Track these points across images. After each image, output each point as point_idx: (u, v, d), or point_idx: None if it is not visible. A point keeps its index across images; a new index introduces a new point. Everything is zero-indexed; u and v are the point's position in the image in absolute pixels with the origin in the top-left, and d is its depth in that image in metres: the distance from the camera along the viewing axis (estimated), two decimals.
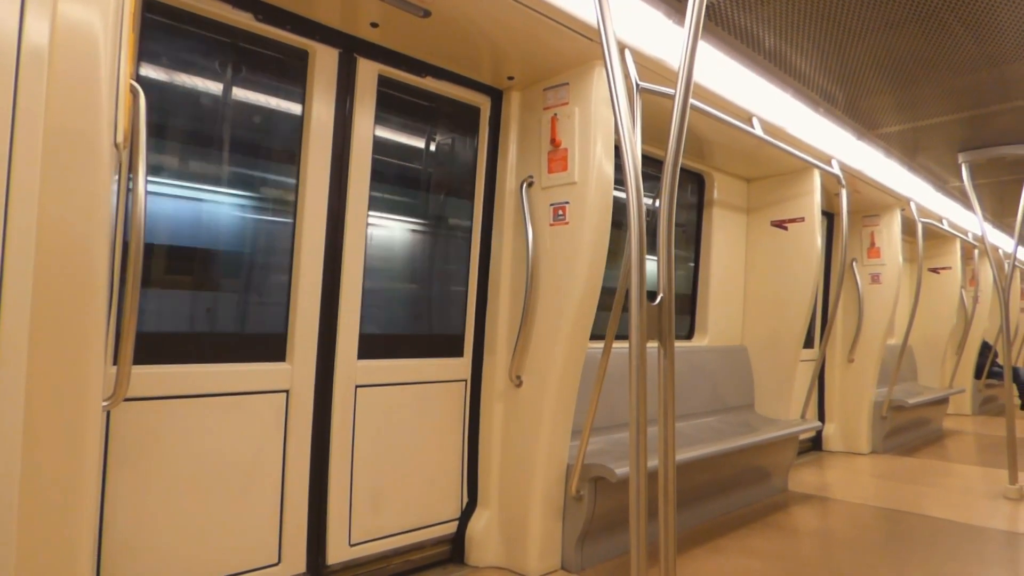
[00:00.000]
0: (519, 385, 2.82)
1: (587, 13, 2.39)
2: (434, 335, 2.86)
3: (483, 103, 2.95)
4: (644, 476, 1.67)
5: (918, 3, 2.69)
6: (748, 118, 3.43)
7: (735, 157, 4.15)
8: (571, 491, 2.74)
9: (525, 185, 2.84)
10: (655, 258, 1.92)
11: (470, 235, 2.96)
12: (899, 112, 4.00)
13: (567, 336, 2.67)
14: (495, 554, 2.80)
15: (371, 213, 2.59)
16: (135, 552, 1.98)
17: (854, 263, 5.67)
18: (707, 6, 2.73)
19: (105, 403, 1.56)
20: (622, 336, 3.05)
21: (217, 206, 2.26)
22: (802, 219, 4.33)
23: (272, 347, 2.35)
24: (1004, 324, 4.45)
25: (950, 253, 7.10)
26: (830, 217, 5.84)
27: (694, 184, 4.42)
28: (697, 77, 2.98)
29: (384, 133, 2.67)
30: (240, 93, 2.31)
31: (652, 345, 1.74)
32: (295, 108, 2.42)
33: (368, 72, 2.53)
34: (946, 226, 6.38)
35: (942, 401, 6.78)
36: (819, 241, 4.27)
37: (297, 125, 2.42)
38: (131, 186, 1.67)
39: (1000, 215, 7.13)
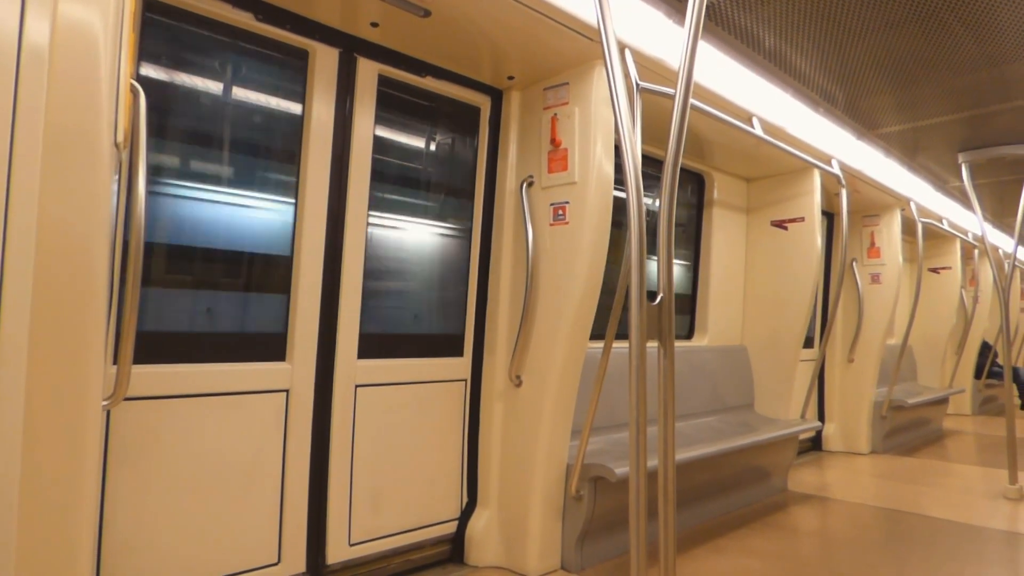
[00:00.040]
0: (519, 385, 2.82)
1: (587, 13, 2.39)
2: (434, 335, 2.86)
3: (483, 103, 2.95)
4: (644, 476, 1.67)
5: (918, 3, 2.69)
6: (748, 118, 3.43)
7: (735, 157, 4.15)
8: (571, 491, 2.74)
9: (525, 185, 2.84)
10: (655, 258, 1.92)
11: (470, 235, 2.96)
12: (899, 112, 4.00)
13: (567, 336, 2.67)
14: (495, 554, 2.80)
15: (371, 213, 2.59)
16: (135, 551, 1.98)
17: (854, 263, 5.67)
18: (707, 6, 2.73)
19: (105, 403, 1.56)
20: (622, 336, 3.05)
21: (216, 205, 2.26)
22: (802, 219, 4.33)
23: (272, 347, 2.35)
24: (1004, 324, 4.45)
25: (950, 253, 7.10)
26: (830, 217, 5.84)
27: (694, 184, 4.42)
28: (697, 77, 2.98)
29: (384, 133, 2.67)
30: (240, 92, 2.31)
31: (652, 345, 1.74)
32: (295, 108, 2.42)
33: (368, 72, 2.53)
34: (946, 226, 6.38)
35: (942, 401, 6.78)
36: (819, 241, 4.27)
37: (297, 125, 2.42)
38: (131, 186, 1.67)
39: (1000, 215, 7.13)
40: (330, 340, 2.46)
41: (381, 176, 2.66)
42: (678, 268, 4.40)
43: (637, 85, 2.58)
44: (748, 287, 4.61)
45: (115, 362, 1.67)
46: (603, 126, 2.64)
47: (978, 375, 8.41)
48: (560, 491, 2.78)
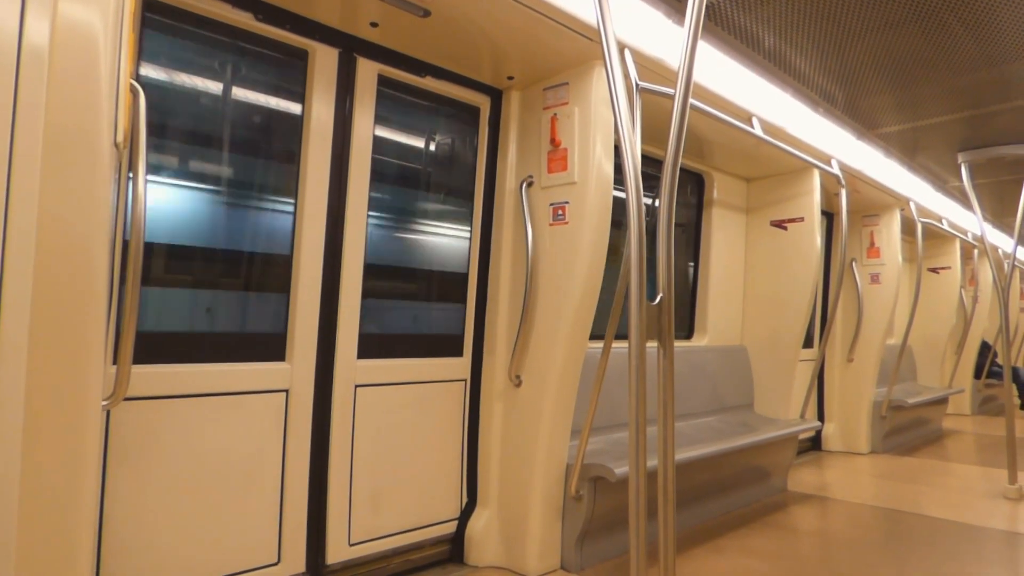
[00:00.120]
0: (519, 385, 2.82)
1: (587, 13, 2.40)
2: (434, 334, 2.86)
3: (483, 103, 2.95)
4: (644, 476, 1.67)
5: (918, 3, 2.69)
6: (748, 118, 3.43)
7: (735, 157, 4.15)
8: (571, 491, 2.74)
9: (525, 185, 2.84)
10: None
11: (470, 235, 2.96)
12: (899, 112, 4.00)
13: (567, 336, 2.67)
14: (494, 554, 2.80)
15: (370, 213, 2.59)
16: (135, 551, 1.98)
17: (854, 263, 5.67)
18: (707, 6, 2.74)
19: (105, 402, 1.56)
20: (622, 336, 3.05)
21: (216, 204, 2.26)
22: (802, 219, 4.33)
23: (272, 346, 2.35)
24: (1004, 324, 4.45)
25: (950, 253, 7.10)
26: (830, 217, 5.84)
27: (694, 184, 4.42)
28: (697, 77, 2.98)
29: (384, 133, 2.67)
30: (239, 92, 2.31)
31: (652, 345, 1.74)
32: (295, 107, 2.42)
33: (368, 72, 2.53)
34: (946, 226, 6.38)
35: (941, 401, 6.78)
36: (819, 241, 4.27)
37: (296, 124, 2.42)
38: (131, 186, 1.67)
39: (1000, 215, 7.13)
40: (330, 340, 2.46)
41: (381, 176, 2.66)
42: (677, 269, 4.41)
43: (637, 85, 2.58)
44: (748, 287, 4.61)
45: (115, 362, 1.67)
46: (603, 126, 2.64)
47: (978, 375, 8.41)
48: (560, 491, 2.78)
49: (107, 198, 1.39)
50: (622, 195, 1.97)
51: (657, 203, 3.34)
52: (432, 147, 2.89)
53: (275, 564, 2.30)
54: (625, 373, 3.13)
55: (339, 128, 2.47)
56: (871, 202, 5.42)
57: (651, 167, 3.85)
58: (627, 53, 2.60)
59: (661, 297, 1.76)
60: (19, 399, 1.28)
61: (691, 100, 1.87)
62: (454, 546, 2.85)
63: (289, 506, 2.34)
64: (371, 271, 2.60)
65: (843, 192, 4.22)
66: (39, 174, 1.29)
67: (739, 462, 3.68)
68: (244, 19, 2.22)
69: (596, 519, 2.78)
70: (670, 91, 2.59)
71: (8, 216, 1.26)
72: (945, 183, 5.81)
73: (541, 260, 2.77)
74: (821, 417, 5.71)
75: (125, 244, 1.74)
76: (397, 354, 2.68)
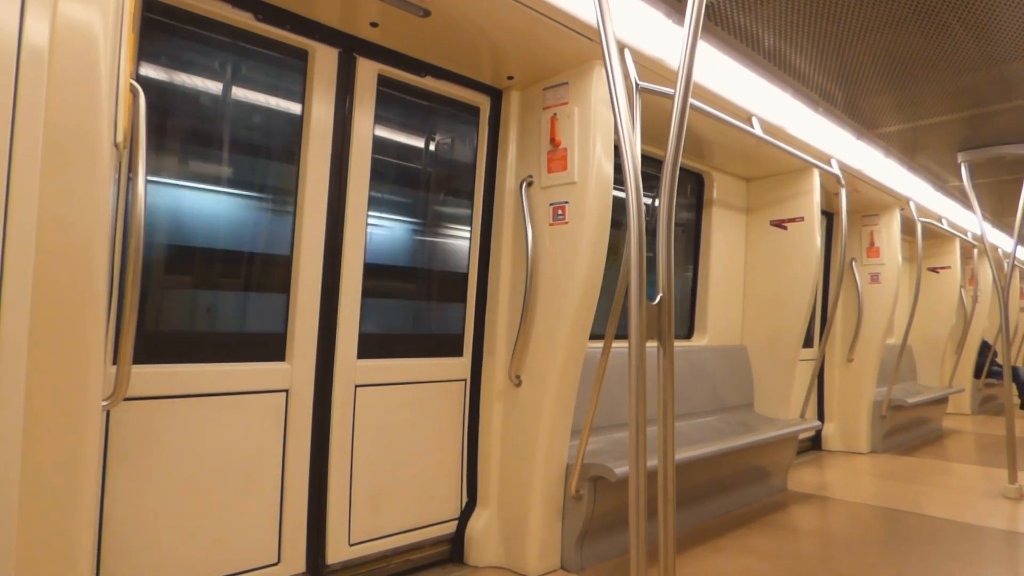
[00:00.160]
0: (519, 385, 2.82)
1: (587, 13, 2.40)
2: (434, 334, 2.86)
3: (483, 103, 2.95)
4: (643, 476, 1.67)
5: (917, 3, 2.69)
6: (748, 118, 3.43)
7: (735, 157, 4.15)
8: (571, 491, 2.74)
9: (525, 185, 2.84)
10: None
11: (470, 234, 2.96)
12: (898, 112, 4.00)
13: (567, 335, 2.67)
14: (494, 554, 2.80)
15: (370, 212, 2.59)
16: (135, 551, 1.98)
17: (853, 263, 5.67)
18: (707, 6, 2.74)
19: (105, 403, 1.56)
20: (622, 336, 3.05)
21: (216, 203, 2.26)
22: (801, 219, 4.33)
23: (271, 347, 2.35)
24: (1003, 323, 4.45)
25: (949, 252, 7.10)
26: (829, 217, 5.84)
27: (694, 184, 4.42)
28: (697, 77, 2.98)
29: (384, 132, 2.67)
30: (239, 92, 2.31)
31: (652, 345, 1.74)
32: (294, 107, 2.42)
33: (368, 72, 2.53)
34: (945, 225, 6.38)
35: (941, 400, 6.78)
36: (818, 241, 4.27)
37: (296, 124, 2.42)
38: (131, 186, 1.67)
39: (999, 214, 7.13)
40: (330, 340, 2.46)
41: (381, 176, 2.66)
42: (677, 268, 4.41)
43: (637, 85, 2.58)
44: (748, 287, 4.62)
45: (115, 362, 1.67)
46: (603, 126, 2.64)
47: (977, 374, 8.41)
48: (560, 491, 2.78)
49: (107, 198, 1.39)
50: (622, 195, 1.97)
51: (657, 203, 3.34)
52: (432, 147, 2.89)
53: (275, 564, 2.30)
54: (625, 373, 3.13)
55: (339, 128, 2.47)
56: (871, 202, 5.42)
57: (651, 167, 3.85)
58: (627, 53, 2.60)
59: (661, 297, 1.76)
60: (19, 399, 1.28)
61: (691, 100, 1.88)
62: (454, 546, 2.85)
63: (289, 506, 2.34)
64: (371, 271, 2.60)
65: (843, 192, 4.22)
66: (39, 174, 1.29)
67: (739, 462, 3.68)
68: (244, 19, 2.22)
69: (596, 519, 2.78)
70: (670, 91, 2.59)
71: (8, 216, 1.26)
72: (945, 183, 5.81)
73: (541, 260, 2.77)
74: (821, 417, 5.71)
75: (125, 244, 1.74)
76: (397, 354, 2.68)
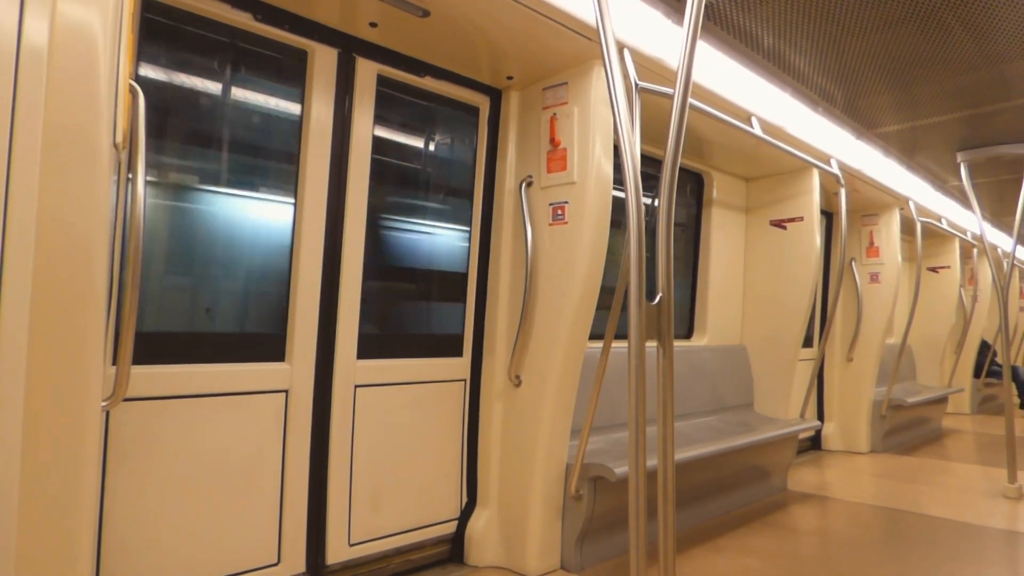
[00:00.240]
0: (518, 385, 2.82)
1: (586, 13, 2.40)
2: (433, 334, 2.86)
3: (482, 103, 2.95)
4: (643, 475, 1.67)
5: (917, 2, 2.69)
6: (747, 118, 3.43)
7: (734, 157, 4.15)
8: (570, 491, 2.74)
9: (524, 185, 2.84)
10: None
11: (469, 235, 2.96)
12: (898, 111, 4.00)
13: (566, 336, 2.67)
14: (494, 554, 2.80)
15: (370, 213, 2.59)
16: (135, 552, 1.98)
17: (853, 262, 5.67)
18: (706, 6, 2.74)
19: (104, 403, 1.56)
20: (621, 336, 3.05)
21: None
22: (801, 218, 4.33)
23: (271, 347, 2.35)
24: (1003, 323, 4.45)
25: (949, 252, 7.11)
26: (829, 216, 5.85)
27: (693, 184, 4.42)
28: (696, 77, 2.98)
29: (383, 133, 2.67)
30: (239, 92, 2.31)
31: (651, 345, 1.74)
32: (294, 107, 2.42)
33: (367, 72, 2.53)
34: (945, 225, 6.38)
35: (941, 400, 6.79)
36: (818, 240, 4.27)
37: (295, 124, 2.42)
38: (130, 186, 1.67)
39: (999, 214, 7.14)
40: (329, 340, 2.46)
41: (380, 176, 2.66)
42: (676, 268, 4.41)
43: (636, 85, 2.58)
44: (747, 287, 4.62)
45: (114, 362, 1.67)
46: (602, 126, 2.64)
47: (977, 374, 8.42)
48: (560, 491, 2.78)
49: (107, 198, 1.39)
50: (621, 195, 1.97)
51: (657, 203, 3.34)
52: (431, 147, 2.89)
53: (275, 564, 2.30)
54: (625, 373, 3.12)
55: (338, 128, 2.47)
56: (870, 201, 5.42)
57: (651, 167, 3.85)
58: (626, 53, 2.60)
59: (660, 297, 1.76)
60: (19, 399, 1.28)
61: (690, 100, 1.88)
62: (454, 546, 2.85)
63: (289, 506, 2.34)
64: (371, 271, 2.60)
65: (842, 191, 4.22)
66: (39, 174, 1.29)
67: (739, 462, 3.68)
68: (243, 19, 2.22)
69: (596, 519, 2.78)
70: (669, 91, 2.59)
71: (8, 216, 1.26)
72: (944, 182, 5.81)
73: (541, 260, 2.77)
74: (821, 416, 5.72)
75: (124, 244, 1.74)
76: (397, 354, 2.68)
